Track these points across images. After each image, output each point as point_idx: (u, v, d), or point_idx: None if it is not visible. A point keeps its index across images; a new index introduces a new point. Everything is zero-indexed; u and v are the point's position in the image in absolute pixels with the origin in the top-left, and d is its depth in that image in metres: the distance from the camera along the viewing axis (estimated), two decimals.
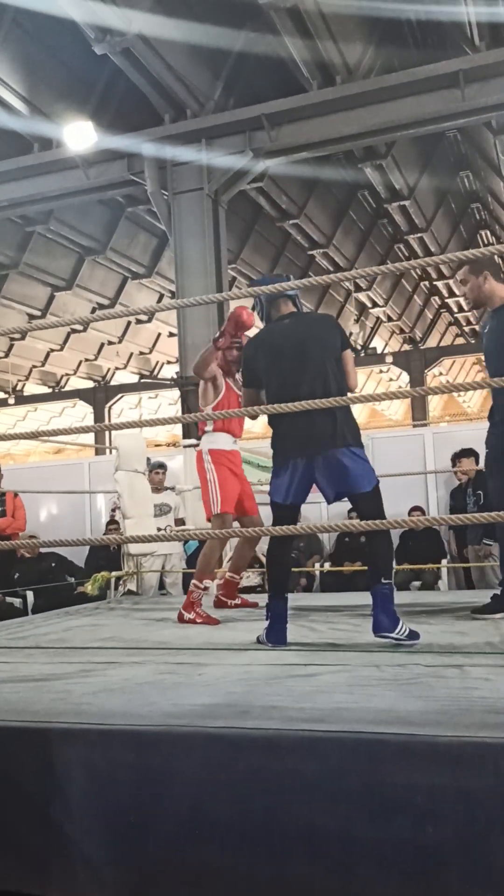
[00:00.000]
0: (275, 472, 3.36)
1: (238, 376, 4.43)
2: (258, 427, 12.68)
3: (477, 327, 22.65)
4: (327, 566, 8.19)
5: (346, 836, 1.83)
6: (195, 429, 9.92)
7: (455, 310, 21.23)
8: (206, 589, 4.19)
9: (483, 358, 4.14)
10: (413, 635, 3.06)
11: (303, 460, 3.23)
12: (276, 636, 3.30)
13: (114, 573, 6.30)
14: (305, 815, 1.87)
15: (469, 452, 7.56)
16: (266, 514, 4.12)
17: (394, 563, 3.31)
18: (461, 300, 19.93)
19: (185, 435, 10.21)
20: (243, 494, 4.50)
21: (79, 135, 9.90)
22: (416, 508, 8.27)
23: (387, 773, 1.83)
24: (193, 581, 4.24)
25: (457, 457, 7.78)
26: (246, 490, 4.55)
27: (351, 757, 1.88)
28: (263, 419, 3.45)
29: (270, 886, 1.87)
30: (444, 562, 8.22)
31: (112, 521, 9.10)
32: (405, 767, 1.83)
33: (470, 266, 3.92)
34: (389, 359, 19.21)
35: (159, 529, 7.13)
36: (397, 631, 3.03)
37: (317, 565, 8.22)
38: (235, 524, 4.54)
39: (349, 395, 3.27)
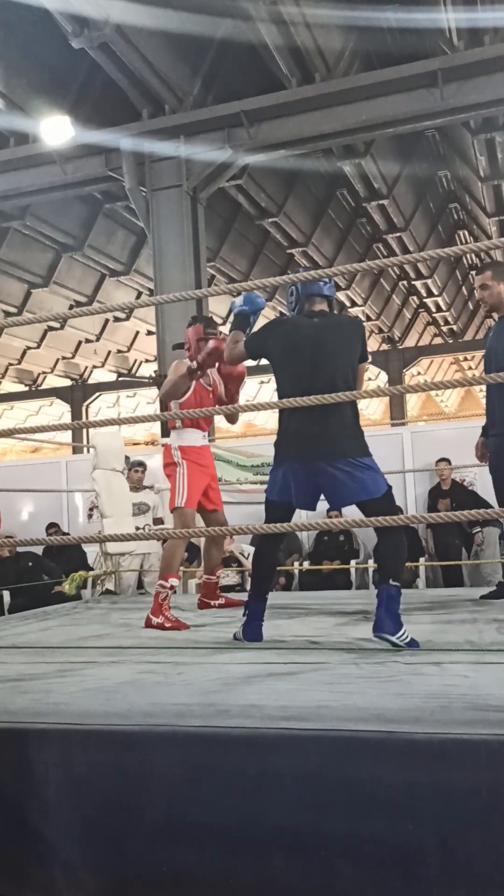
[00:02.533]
0: (272, 469, 3.32)
1: (212, 372, 4.40)
2: (238, 427, 12.67)
3: (455, 327, 22.82)
4: (306, 565, 8.20)
5: (326, 835, 1.83)
6: None
7: (433, 310, 21.33)
8: (171, 588, 4.07)
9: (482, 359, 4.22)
10: (413, 643, 2.95)
11: (305, 465, 3.17)
12: (252, 633, 3.29)
13: (91, 573, 6.26)
14: (285, 813, 1.86)
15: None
16: (236, 512, 4.11)
17: (405, 564, 3.22)
18: (439, 300, 20.06)
19: (164, 434, 10.16)
20: (209, 488, 4.47)
21: (56, 130, 9.80)
22: None
23: (366, 770, 1.83)
24: (159, 581, 4.12)
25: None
26: (212, 484, 4.52)
27: (331, 755, 1.87)
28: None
29: (251, 886, 1.86)
30: (421, 560, 8.26)
31: (52, 525, 9.07)
32: (385, 765, 1.83)
33: (493, 272, 3.99)
34: (368, 358, 19.24)
35: (137, 528, 7.09)
36: (398, 636, 2.93)
37: (296, 564, 8.22)
38: (199, 521, 4.53)
39: (330, 394, 3.20)
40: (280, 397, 3.25)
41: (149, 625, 3.98)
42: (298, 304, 3.40)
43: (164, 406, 4.48)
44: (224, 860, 1.87)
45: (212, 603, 4.72)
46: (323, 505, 3.47)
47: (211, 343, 4.13)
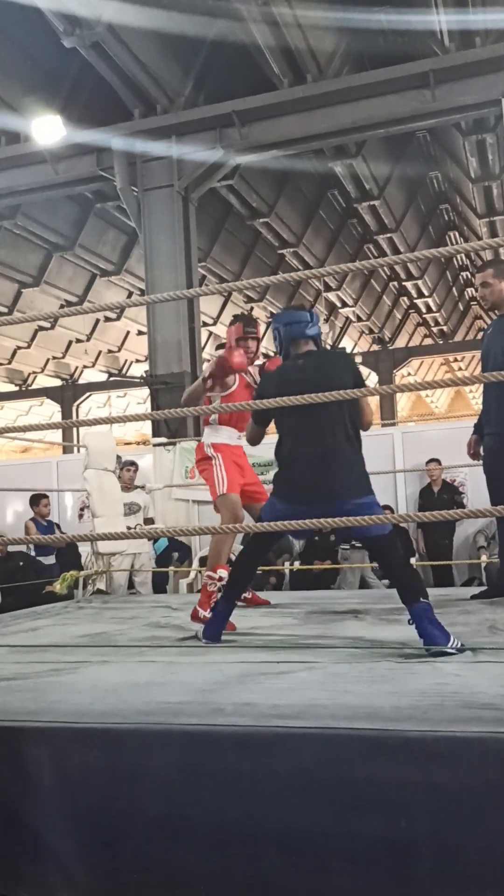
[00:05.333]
0: (271, 495, 3.31)
1: (253, 370, 4.34)
2: None
3: (445, 328, 22.89)
4: (297, 565, 8.21)
5: (319, 832, 1.83)
6: (165, 427, 9.89)
7: (424, 310, 21.41)
8: (220, 579, 3.92)
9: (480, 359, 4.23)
10: (463, 647, 2.88)
11: (306, 507, 3.10)
12: (213, 633, 3.30)
13: (83, 572, 6.25)
14: (279, 811, 1.86)
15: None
16: None
17: (421, 579, 3.18)
18: (430, 301, 20.12)
19: (155, 433, 10.16)
20: (248, 484, 4.36)
21: (47, 129, 9.78)
22: (385, 507, 8.33)
23: (360, 768, 1.84)
24: (207, 573, 4.02)
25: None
26: (250, 479, 4.41)
27: (324, 753, 1.88)
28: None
29: (245, 883, 1.86)
30: (412, 560, 8.28)
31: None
32: (378, 762, 1.83)
33: (494, 269, 4.01)
34: (359, 359, 19.29)
35: (129, 528, 7.08)
36: (450, 644, 2.86)
37: (286, 564, 8.23)
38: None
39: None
40: (282, 449, 3.24)
41: (195, 617, 3.86)
42: (284, 349, 3.40)
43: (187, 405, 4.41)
44: (218, 858, 1.88)
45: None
46: None
47: (219, 352, 4.11)
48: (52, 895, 1.99)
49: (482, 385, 4.40)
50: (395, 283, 19.80)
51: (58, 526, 8.83)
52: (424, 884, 1.76)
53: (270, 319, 3.51)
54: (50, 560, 7.98)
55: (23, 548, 7.91)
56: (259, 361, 4.43)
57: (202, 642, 3.30)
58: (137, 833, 1.94)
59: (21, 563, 7.50)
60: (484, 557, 7.83)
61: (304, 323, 3.33)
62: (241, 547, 3.93)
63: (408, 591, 3.03)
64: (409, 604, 2.98)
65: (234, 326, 4.28)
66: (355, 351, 21.06)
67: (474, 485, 8.23)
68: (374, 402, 24.01)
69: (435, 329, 23.33)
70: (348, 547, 8.01)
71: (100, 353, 20.56)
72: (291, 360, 3.36)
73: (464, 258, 19.46)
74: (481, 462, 4.29)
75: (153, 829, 1.93)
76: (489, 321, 4.42)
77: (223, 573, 3.97)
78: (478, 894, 1.73)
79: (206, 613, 3.85)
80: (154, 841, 1.93)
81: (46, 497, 8.37)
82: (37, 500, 8.30)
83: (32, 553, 7.94)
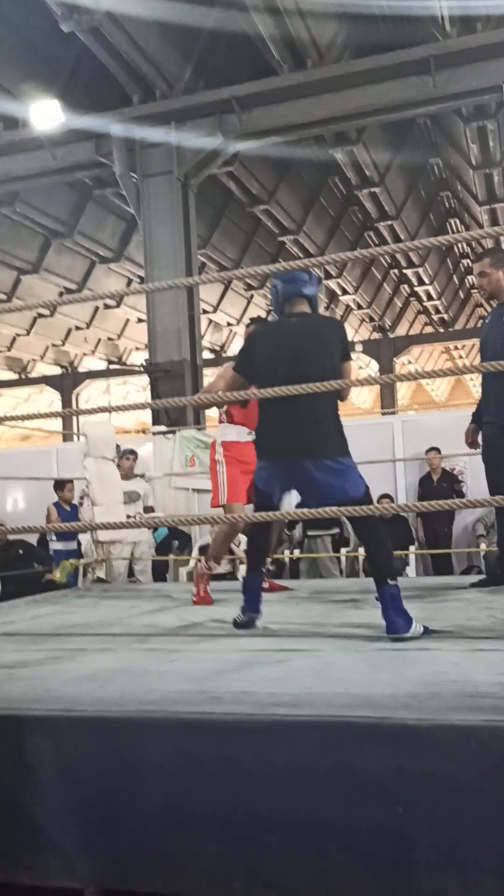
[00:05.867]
0: (257, 461, 3.35)
1: None
2: None
3: (446, 316, 22.84)
4: (297, 553, 8.22)
5: (317, 819, 1.84)
6: (165, 416, 9.88)
7: (424, 298, 21.35)
8: (210, 570, 4.24)
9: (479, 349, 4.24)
10: (427, 631, 2.96)
11: (283, 464, 3.18)
12: (250, 607, 3.33)
13: (82, 561, 6.26)
14: (277, 799, 1.87)
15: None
16: None
17: (393, 559, 3.23)
18: (430, 289, 20.06)
19: (155, 422, 10.15)
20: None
21: (45, 114, 9.72)
22: (384, 496, 8.34)
23: (357, 756, 1.84)
24: (202, 562, 4.33)
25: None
26: None
27: (322, 741, 1.89)
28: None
29: (243, 870, 1.88)
30: (412, 548, 8.30)
31: None
32: (376, 751, 1.84)
33: (491, 259, 4.01)
34: (359, 347, 19.27)
35: (128, 517, 7.09)
36: (412, 630, 2.92)
37: (286, 552, 8.25)
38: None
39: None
40: (266, 407, 3.24)
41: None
42: (278, 306, 3.40)
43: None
44: (216, 846, 1.89)
45: None
46: None
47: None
48: (52, 881, 2.00)
49: (481, 374, 4.40)
50: (396, 271, 19.74)
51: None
52: (421, 871, 1.77)
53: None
54: (71, 545, 7.97)
55: (24, 536, 7.92)
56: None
57: (241, 619, 3.31)
58: (136, 820, 1.95)
59: (21, 552, 7.51)
60: (483, 546, 7.85)
61: (302, 282, 3.32)
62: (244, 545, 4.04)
63: (379, 567, 3.08)
64: (378, 583, 3.02)
65: (248, 330, 4.36)
66: (356, 339, 21.02)
67: (474, 473, 8.23)
68: (374, 391, 24.04)
69: (435, 317, 23.27)
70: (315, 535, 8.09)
71: (99, 340, 20.53)
72: (284, 318, 3.36)
73: (465, 246, 19.38)
74: (480, 451, 4.30)
75: (152, 816, 1.94)
76: (489, 310, 4.41)
77: (213, 566, 4.20)
78: (475, 881, 1.74)
79: (193, 593, 4.23)
80: (152, 828, 1.94)
81: (71, 482, 8.33)
82: (61, 484, 8.30)
83: (53, 538, 7.94)
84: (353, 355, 20.04)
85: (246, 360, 3.40)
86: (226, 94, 9.54)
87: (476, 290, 22.92)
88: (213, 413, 5.60)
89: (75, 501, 8.45)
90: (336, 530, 8.20)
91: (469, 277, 22.06)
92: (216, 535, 4.45)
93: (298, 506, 3.79)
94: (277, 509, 3.37)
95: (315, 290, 3.38)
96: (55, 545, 7.93)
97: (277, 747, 1.90)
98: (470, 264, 20.61)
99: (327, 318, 3.56)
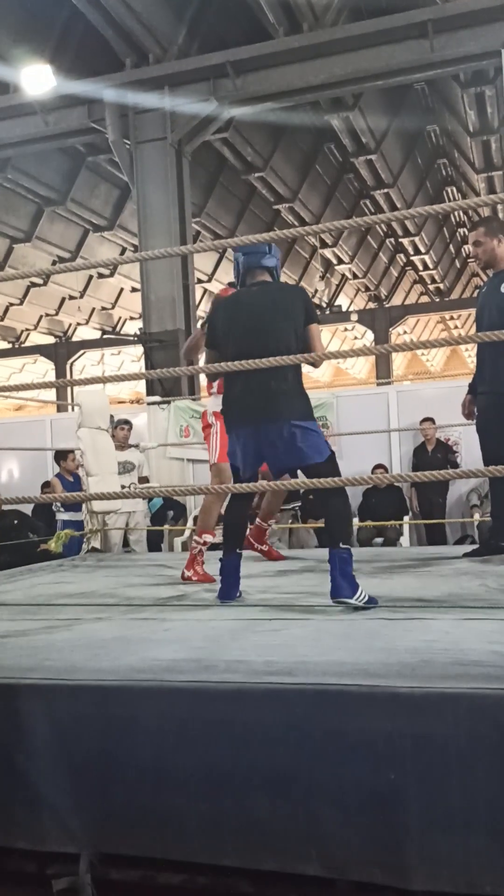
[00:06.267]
0: (228, 437, 3.41)
1: None
2: None
3: (442, 286, 22.70)
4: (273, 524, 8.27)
5: (309, 782, 1.87)
6: (160, 386, 9.85)
7: (420, 268, 21.20)
8: (205, 544, 4.17)
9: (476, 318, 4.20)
10: (372, 601, 3.01)
11: (248, 430, 3.23)
12: (225, 593, 3.35)
13: (78, 532, 6.28)
14: (270, 763, 1.90)
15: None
16: None
17: (352, 526, 3.31)
18: (426, 258, 19.92)
19: (149, 392, 10.12)
20: None
21: (37, 79, 9.53)
22: (379, 466, 8.36)
23: (350, 722, 1.87)
24: (193, 538, 4.24)
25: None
26: None
27: (315, 708, 1.91)
28: None
29: (235, 829, 1.91)
30: (406, 518, 8.34)
31: (46, 484, 8.98)
32: (368, 717, 1.86)
33: (486, 227, 3.97)
34: (354, 317, 19.17)
35: (123, 487, 7.10)
36: (356, 597, 2.98)
37: (274, 525, 8.28)
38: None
39: (310, 354, 3.19)
40: (230, 375, 3.29)
41: (184, 577, 4.12)
42: (241, 277, 3.46)
43: (189, 358, 4.59)
44: (209, 805, 1.92)
45: (255, 546, 4.80)
46: None
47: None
48: (49, 846, 2.03)
49: (477, 344, 4.39)
50: (392, 240, 19.58)
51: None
52: (411, 832, 1.80)
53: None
54: (79, 516, 7.93)
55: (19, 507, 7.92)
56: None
57: (218, 603, 3.34)
58: (130, 782, 1.98)
59: (15, 522, 7.52)
60: (476, 516, 7.89)
61: (262, 254, 3.40)
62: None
63: (332, 533, 3.13)
64: (330, 545, 3.07)
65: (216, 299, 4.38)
66: (351, 308, 20.90)
67: (468, 444, 8.24)
68: (369, 361, 23.97)
69: (431, 287, 23.14)
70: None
71: (93, 310, 20.38)
72: (246, 288, 3.42)
73: (461, 214, 19.21)
74: (475, 422, 4.30)
75: (146, 781, 1.97)
76: (485, 279, 4.39)
77: (208, 538, 4.15)
78: (463, 840, 1.78)
79: (189, 573, 4.09)
80: (146, 790, 1.97)
81: (72, 452, 8.29)
82: (63, 455, 8.22)
83: (61, 509, 7.90)
84: (349, 325, 20.11)
85: (210, 333, 3.48)
86: (220, 59, 9.37)
87: (472, 260, 22.89)
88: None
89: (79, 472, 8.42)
90: (298, 503, 8.24)
91: (465, 247, 21.90)
92: (203, 504, 4.40)
93: (265, 477, 3.84)
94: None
95: (276, 262, 3.44)
96: (62, 515, 7.91)
97: (270, 713, 1.93)
98: (466, 233, 20.48)
99: (288, 285, 3.60)
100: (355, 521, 8.22)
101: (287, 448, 3.14)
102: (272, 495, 4.81)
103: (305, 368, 3.82)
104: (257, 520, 4.90)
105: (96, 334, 21.37)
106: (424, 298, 23.85)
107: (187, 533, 7.96)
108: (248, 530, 4.82)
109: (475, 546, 4.91)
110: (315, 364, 3.33)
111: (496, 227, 4.00)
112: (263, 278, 3.40)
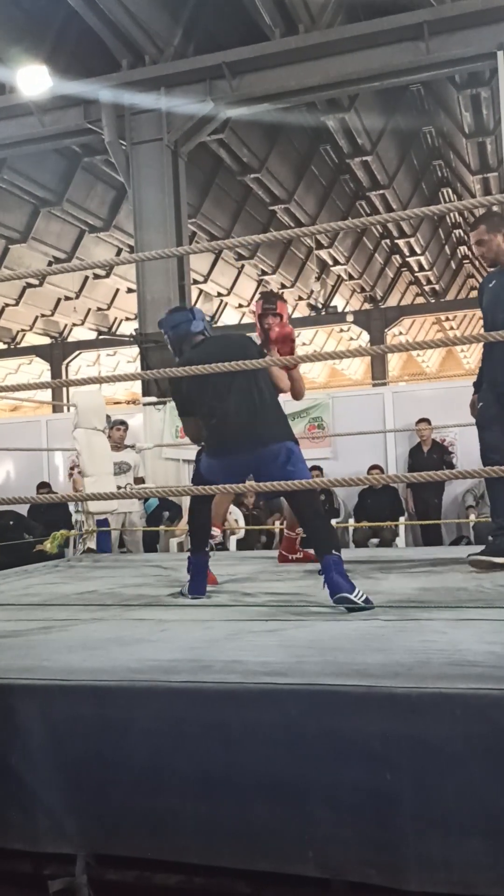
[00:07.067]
0: (201, 451, 3.58)
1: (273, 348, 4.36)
2: None
3: (437, 287, 22.71)
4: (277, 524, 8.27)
5: (306, 784, 1.87)
6: (156, 386, 9.84)
7: (416, 269, 21.21)
8: (213, 537, 4.23)
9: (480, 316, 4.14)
10: (368, 602, 3.01)
11: (231, 461, 3.40)
12: (195, 588, 3.51)
13: (73, 531, 6.27)
14: (267, 764, 1.90)
15: None
16: None
17: (335, 530, 3.44)
18: (422, 259, 19.93)
19: (145, 393, 10.11)
20: None
21: (33, 79, 9.51)
22: (374, 467, 8.37)
23: (346, 723, 1.87)
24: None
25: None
26: None
27: (311, 708, 1.91)
28: None
29: (231, 830, 1.91)
30: (401, 519, 8.35)
31: (43, 485, 8.98)
32: (364, 718, 1.86)
33: (487, 224, 3.89)
34: (350, 317, 19.18)
35: (119, 488, 7.09)
36: (355, 594, 2.99)
37: (277, 523, 8.28)
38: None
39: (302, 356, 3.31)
40: (207, 427, 3.49)
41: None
42: (177, 348, 3.60)
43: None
44: (205, 806, 1.92)
45: (290, 557, 4.81)
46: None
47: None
48: (45, 846, 2.03)
49: (474, 345, 4.36)
50: (388, 241, 19.59)
51: None
52: (406, 834, 1.80)
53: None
54: (101, 515, 7.91)
55: (14, 507, 7.92)
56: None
57: (189, 598, 3.47)
58: (126, 783, 1.98)
59: (11, 522, 7.52)
60: (472, 516, 7.90)
61: (187, 322, 3.58)
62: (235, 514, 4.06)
63: (319, 542, 3.24)
64: (320, 555, 3.16)
65: (256, 304, 4.44)
66: (347, 309, 20.91)
67: (464, 445, 8.27)
68: (365, 362, 23.99)
69: (427, 288, 23.14)
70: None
71: (89, 310, 20.36)
72: (190, 353, 3.55)
73: (457, 216, 19.23)
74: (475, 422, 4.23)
75: (142, 782, 1.97)
76: (482, 279, 4.31)
77: (215, 531, 4.20)
78: (458, 841, 1.78)
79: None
80: (143, 790, 1.97)
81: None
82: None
83: (79, 508, 7.89)
84: (344, 326, 20.10)
85: (182, 404, 3.62)
86: (216, 60, 9.36)
87: (468, 261, 22.83)
88: None
89: (73, 472, 8.42)
90: None
91: (461, 247, 21.92)
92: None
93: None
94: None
95: (203, 324, 3.60)
96: (78, 516, 7.92)
97: (266, 713, 1.93)
98: (462, 234, 20.49)
99: (230, 336, 3.80)
100: (351, 521, 8.23)
101: (271, 475, 3.25)
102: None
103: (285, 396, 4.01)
104: (285, 531, 4.94)
105: (92, 335, 21.34)
106: (420, 299, 23.86)
107: (183, 534, 7.95)
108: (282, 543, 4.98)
109: (474, 546, 4.90)
110: (296, 397, 3.57)
111: (497, 221, 3.89)
112: (199, 338, 3.57)
